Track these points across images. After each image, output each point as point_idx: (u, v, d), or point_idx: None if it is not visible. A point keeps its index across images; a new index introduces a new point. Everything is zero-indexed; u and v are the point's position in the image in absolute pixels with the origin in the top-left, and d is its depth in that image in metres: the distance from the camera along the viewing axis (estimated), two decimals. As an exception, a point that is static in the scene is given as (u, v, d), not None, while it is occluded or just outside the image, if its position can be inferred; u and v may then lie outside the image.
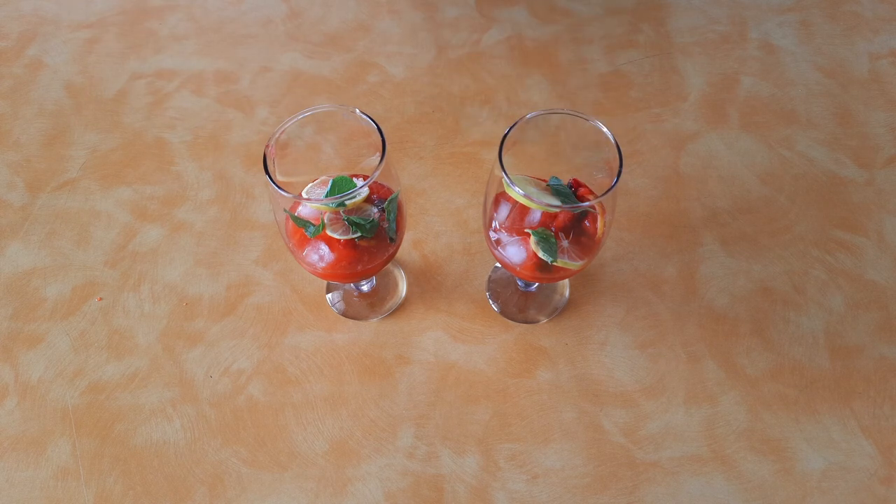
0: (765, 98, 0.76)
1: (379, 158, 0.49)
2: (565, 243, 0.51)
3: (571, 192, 0.53)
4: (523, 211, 0.52)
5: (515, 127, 0.50)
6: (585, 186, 0.53)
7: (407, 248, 0.66)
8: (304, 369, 0.59)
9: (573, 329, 0.61)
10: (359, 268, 0.53)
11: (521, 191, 0.47)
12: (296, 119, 0.51)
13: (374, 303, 0.63)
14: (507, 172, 0.47)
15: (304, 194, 0.54)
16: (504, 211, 0.53)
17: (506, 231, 0.53)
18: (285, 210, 0.52)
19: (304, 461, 0.55)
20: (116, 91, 0.78)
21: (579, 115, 0.50)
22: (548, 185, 0.53)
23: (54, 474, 0.55)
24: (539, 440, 0.56)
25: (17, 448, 0.56)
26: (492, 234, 0.54)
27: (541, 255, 0.50)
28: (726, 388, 0.58)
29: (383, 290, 0.64)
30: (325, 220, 0.51)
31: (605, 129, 0.49)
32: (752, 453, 0.55)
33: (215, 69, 0.79)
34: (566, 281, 0.64)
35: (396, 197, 0.53)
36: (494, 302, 0.63)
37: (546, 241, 0.50)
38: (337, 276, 0.54)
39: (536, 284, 0.63)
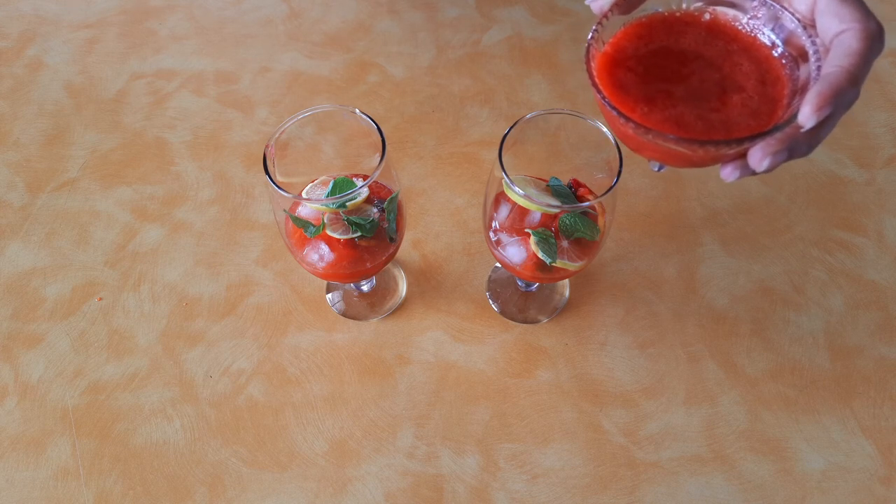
0: (765, 98, 0.76)
1: (379, 158, 0.49)
2: (565, 244, 0.51)
3: (571, 192, 0.53)
4: (523, 211, 0.52)
5: (515, 127, 0.50)
6: (585, 186, 0.54)
7: (407, 248, 0.66)
8: (304, 369, 0.60)
9: (573, 329, 0.61)
10: (359, 268, 0.53)
11: (520, 191, 0.47)
12: (296, 119, 0.51)
13: (374, 303, 0.63)
14: (507, 173, 0.47)
15: (304, 194, 0.54)
16: (504, 211, 0.53)
17: (506, 231, 0.53)
18: (285, 210, 0.52)
19: (304, 461, 0.55)
20: (116, 91, 0.78)
21: (579, 115, 0.50)
22: (548, 186, 0.53)
23: (54, 474, 0.55)
24: (539, 440, 0.56)
25: (17, 448, 0.56)
26: (492, 234, 0.54)
27: (540, 255, 0.50)
28: (726, 388, 0.58)
29: (383, 290, 0.64)
30: (325, 221, 0.51)
31: (605, 129, 0.49)
32: (752, 453, 0.55)
33: (215, 69, 0.79)
34: (566, 281, 0.64)
35: (396, 197, 0.53)
36: (494, 302, 0.63)
37: (546, 241, 0.50)
38: (337, 276, 0.54)
39: (536, 284, 0.63)
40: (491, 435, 0.56)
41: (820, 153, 0.71)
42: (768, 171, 0.36)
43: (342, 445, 0.56)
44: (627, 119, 0.36)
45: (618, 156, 0.48)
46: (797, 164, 0.71)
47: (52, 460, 0.56)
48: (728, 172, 0.38)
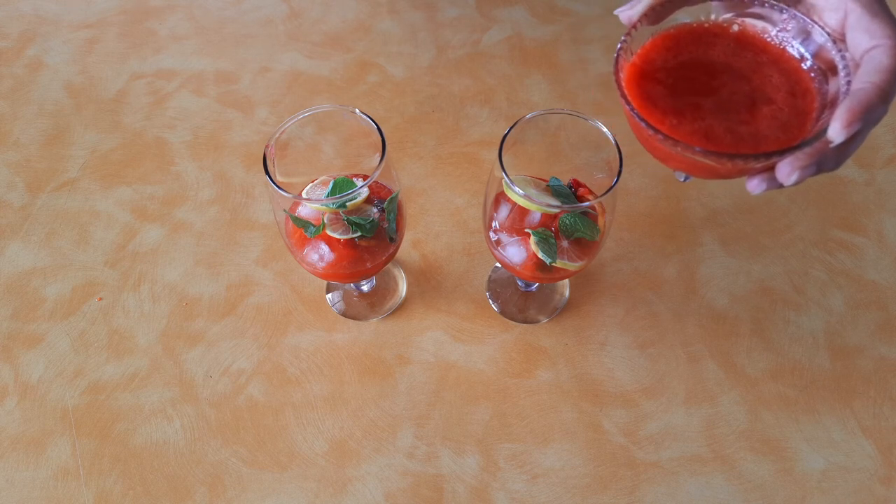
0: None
1: (379, 158, 0.49)
2: (565, 244, 0.51)
3: (571, 192, 0.53)
4: (523, 211, 0.52)
5: (515, 127, 0.50)
6: (585, 186, 0.54)
7: (407, 248, 0.66)
8: (304, 369, 0.60)
9: (573, 329, 0.61)
10: (359, 268, 0.53)
11: (520, 191, 0.47)
12: (296, 119, 0.51)
13: (374, 303, 0.63)
14: (507, 173, 0.47)
15: (304, 194, 0.54)
16: (504, 211, 0.53)
17: (506, 231, 0.53)
18: (285, 210, 0.52)
19: (304, 461, 0.55)
20: (116, 91, 0.78)
21: (579, 115, 0.50)
22: (548, 186, 0.53)
23: (54, 474, 0.55)
24: (539, 440, 0.56)
25: (17, 448, 0.56)
26: (492, 234, 0.54)
27: (540, 255, 0.50)
28: (726, 388, 0.58)
29: (383, 290, 0.64)
30: (325, 221, 0.51)
31: (605, 129, 0.49)
32: (752, 453, 0.55)
33: (215, 69, 0.79)
34: (566, 281, 0.64)
35: (396, 197, 0.53)
36: (494, 302, 0.63)
37: (546, 241, 0.50)
38: (337, 276, 0.54)
39: (536, 284, 0.63)
40: (491, 435, 0.56)
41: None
42: (796, 184, 0.36)
43: (342, 445, 0.56)
44: (656, 131, 0.36)
45: (618, 156, 0.48)
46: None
47: (52, 460, 0.56)
48: (755, 185, 0.37)
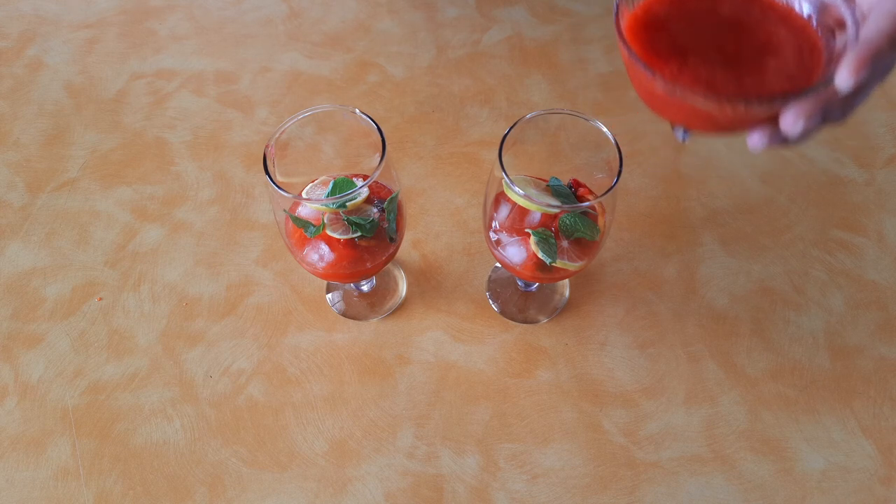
0: (765, 98, 0.76)
1: (379, 158, 0.49)
2: (565, 244, 0.51)
3: (571, 192, 0.53)
4: (523, 211, 0.52)
5: (515, 127, 0.50)
6: (585, 186, 0.54)
7: (407, 248, 0.66)
8: (304, 369, 0.60)
9: (573, 329, 0.61)
10: (359, 268, 0.53)
11: (520, 192, 0.47)
12: (296, 119, 0.51)
13: (374, 303, 0.63)
14: (507, 173, 0.47)
15: (304, 194, 0.54)
16: (504, 211, 0.53)
17: (506, 231, 0.53)
18: (285, 210, 0.52)
19: (304, 461, 0.55)
20: (116, 91, 0.78)
21: (579, 115, 0.50)
22: (548, 186, 0.53)
23: (54, 474, 0.55)
24: (539, 440, 0.56)
25: (17, 448, 0.56)
26: (492, 234, 0.54)
27: (540, 255, 0.50)
28: (726, 388, 0.58)
29: (383, 290, 0.64)
30: (325, 221, 0.51)
31: (605, 129, 0.49)
32: (752, 453, 0.55)
33: (215, 69, 0.79)
34: (566, 281, 0.64)
35: (396, 197, 0.53)
36: (494, 302, 0.63)
37: (546, 241, 0.50)
38: (337, 276, 0.54)
39: (536, 284, 0.63)
40: (491, 435, 0.56)
41: (820, 153, 0.71)
42: (801, 137, 0.34)
43: (342, 445, 0.56)
44: (654, 73, 0.34)
45: (618, 156, 0.48)
46: (797, 164, 0.71)
47: (52, 460, 0.56)
48: (756, 140, 0.36)
